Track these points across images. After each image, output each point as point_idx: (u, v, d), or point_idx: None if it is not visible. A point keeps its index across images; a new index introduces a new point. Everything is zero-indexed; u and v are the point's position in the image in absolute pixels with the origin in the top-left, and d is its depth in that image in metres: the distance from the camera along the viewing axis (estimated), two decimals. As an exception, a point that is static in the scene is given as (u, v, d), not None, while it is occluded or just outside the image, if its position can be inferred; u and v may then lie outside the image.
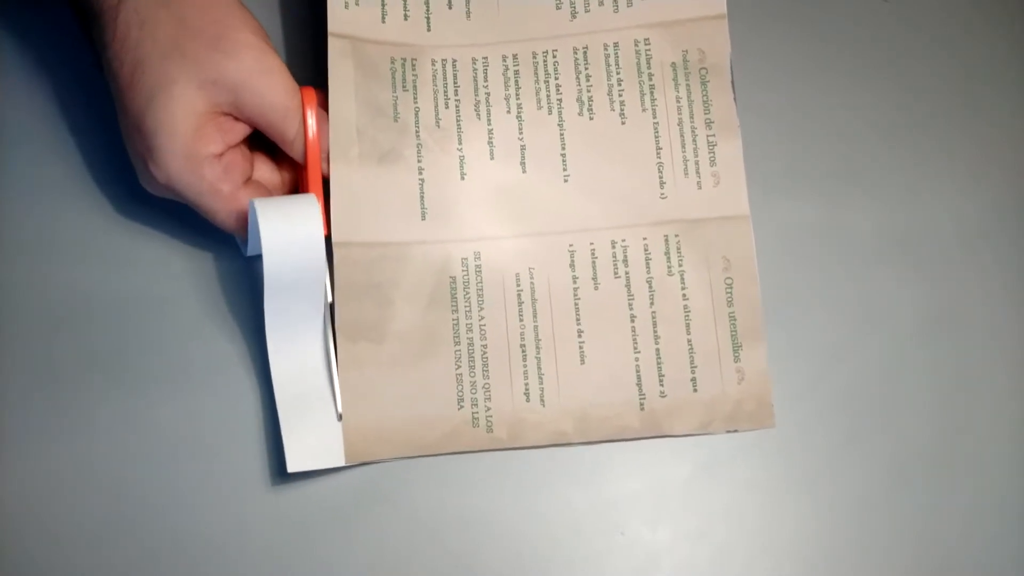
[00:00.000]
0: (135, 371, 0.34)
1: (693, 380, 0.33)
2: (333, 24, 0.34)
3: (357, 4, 0.34)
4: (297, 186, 0.34)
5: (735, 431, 0.33)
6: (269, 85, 0.30)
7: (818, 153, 0.38)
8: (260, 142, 0.33)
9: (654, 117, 0.35)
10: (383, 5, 0.35)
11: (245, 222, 0.31)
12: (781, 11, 0.39)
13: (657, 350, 0.33)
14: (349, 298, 0.33)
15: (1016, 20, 0.40)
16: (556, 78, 0.35)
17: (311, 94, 0.32)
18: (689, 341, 0.33)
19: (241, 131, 0.31)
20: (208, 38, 0.30)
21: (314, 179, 0.32)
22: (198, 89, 0.29)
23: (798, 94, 0.38)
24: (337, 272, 0.33)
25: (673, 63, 0.35)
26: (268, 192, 0.33)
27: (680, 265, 0.34)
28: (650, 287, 0.34)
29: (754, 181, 0.35)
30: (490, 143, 0.34)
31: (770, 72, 0.38)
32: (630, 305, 0.34)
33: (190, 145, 0.29)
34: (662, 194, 0.34)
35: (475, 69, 0.35)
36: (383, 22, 0.34)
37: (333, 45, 0.34)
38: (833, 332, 0.35)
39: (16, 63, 0.37)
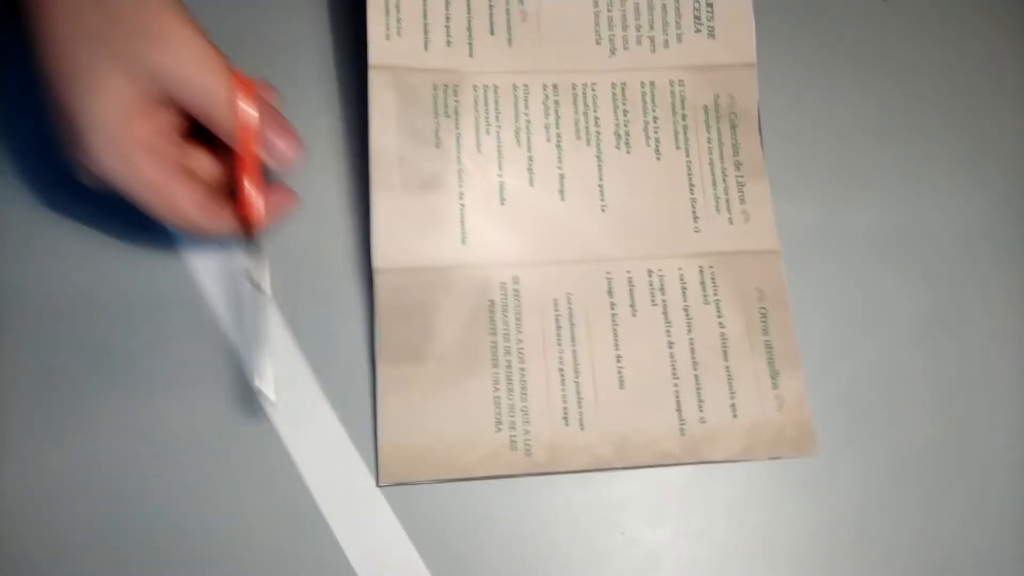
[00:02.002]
0: (135, 371, 0.33)
1: (732, 406, 0.33)
2: (374, 56, 0.34)
3: (399, 34, 0.35)
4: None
5: (777, 458, 0.33)
6: (198, 70, 0.29)
7: (818, 153, 0.38)
8: (201, 132, 0.31)
9: (687, 156, 0.36)
10: (426, 32, 0.35)
11: (179, 212, 0.30)
12: (781, 11, 0.40)
13: (696, 376, 0.33)
14: (390, 322, 0.33)
15: (1016, 20, 0.41)
16: (595, 111, 0.36)
17: (242, 79, 0.30)
18: (727, 368, 0.34)
19: (172, 119, 0.30)
20: (134, 25, 0.28)
21: (250, 166, 0.31)
22: (125, 77, 0.28)
23: (798, 94, 0.39)
24: (378, 298, 0.33)
25: (705, 106, 0.36)
26: (204, 182, 0.31)
27: (715, 295, 0.34)
28: (687, 315, 0.34)
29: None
30: (530, 170, 0.35)
31: (770, 72, 0.38)
32: (668, 332, 0.34)
33: (119, 134, 0.28)
34: (695, 227, 0.35)
35: (516, 96, 0.36)
36: (425, 49, 0.35)
37: (374, 77, 0.34)
38: (833, 332, 0.35)
39: (16, 63, 0.37)
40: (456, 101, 0.35)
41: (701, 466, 0.33)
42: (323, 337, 0.33)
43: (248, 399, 0.33)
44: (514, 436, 0.32)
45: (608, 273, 0.34)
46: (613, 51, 0.37)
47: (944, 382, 0.35)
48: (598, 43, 0.37)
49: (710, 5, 0.37)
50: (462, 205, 0.34)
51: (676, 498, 0.32)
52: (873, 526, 0.32)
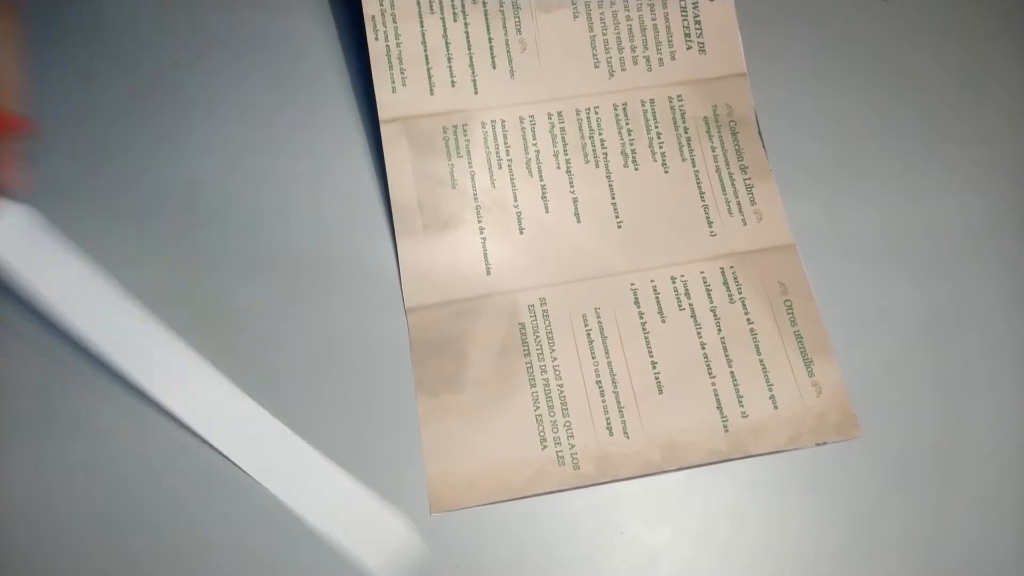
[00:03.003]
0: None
1: (772, 398, 0.33)
2: (384, 111, 0.36)
3: (404, 84, 0.37)
4: None
5: (824, 443, 0.33)
6: None
7: (819, 152, 0.38)
8: None
9: (694, 166, 0.37)
10: (430, 77, 0.37)
11: None
12: (781, 11, 0.41)
13: (731, 372, 0.34)
14: (425, 356, 0.34)
15: (1016, 20, 0.41)
16: (600, 133, 0.37)
17: None
18: (761, 361, 0.34)
19: None
20: None
21: None
22: None
23: (800, 93, 0.39)
24: (412, 334, 0.34)
25: (705, 117, 0.38)
26: None
27: (740, 293, 0.35)
28: (715, 315, 0.35)
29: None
30: (544, 198, 0.36)
31: (770, 72, 0.39)
32: (699, 333, 0.34)
33: None
34: (711, 232, 0.36)
35: (523, 128, 0.37)
36: (432, 94, 0.37)
37: (386, 131, 0.36)
38: (832, 332, 0.35)
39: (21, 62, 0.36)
40: (467, 140, 0.37)
41: (701, 466, 0.33)
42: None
43: (247, 399, 0.33)
44: (560, 451, 0.33)
45: (632, 284, 0.35)
46: (611, 73, 0.38)
47: (945, 381, 0.34)
48: (596, 66, 0.38)
49: (698, 22, 0.39)
50: (483, 239, 0.36)
51: (676, 498, 0.33)
52: (873, 526, 0.32)
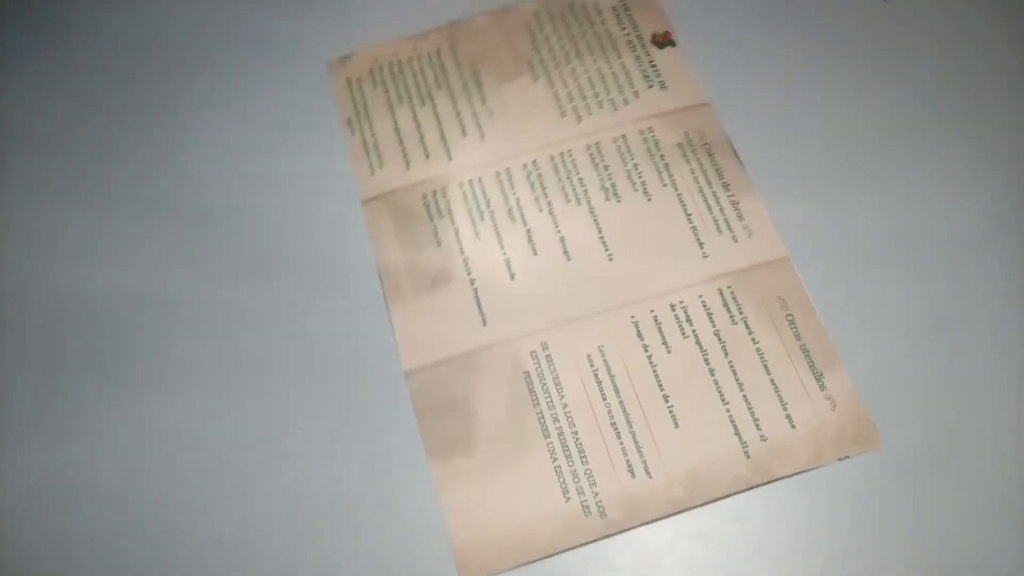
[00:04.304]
0: (135, 371, 0.34)
1: (788, 417, 0.33)
2: (364, 193, 0.37)
3: (381, 167, 0.38)
4: None
5: (847, 457, 0.32)
6: None
7: (818, 153, 0.38)
8: None
9: (676, 189, 0.37)
10: (405, 155, 0.38)
11: None
12: (781, 11, 0.41)
13: (744, 396, 0.33)
14: (431, 419, 0.33)
15: (1016, 20, 0.41)
16: (577, 173, 0.37)
17: None
18: (772, 381, 0.33)
19: None
20: None
21: None
22: None
23: (798, 94, 0.39)
24: (414, 398, 0.33)
25: (679, 143, 0.38)
26: None
27: (741, 313, 0.35)
28: (719, 339, 0.34)
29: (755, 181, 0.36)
30: (530, 241, 0.36)
31: (770, 72, 0.39)
32: (706, 360, 0.34)
33: None
34: (704, 253, 0.36)
35: (501, 181, 0.37)
36: (408, 168, 0.38)
37: (367, 210, 0.37)
38: (832, 332, 0.35)
39: (16, 63, 0.38)
40: (447, 200, 0.37)
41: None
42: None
43: (248, 398, 0.33)
44: (584, 501, 0.32)
45: (633, 317, 0.35)
46: (579, 119, 0.38)
47: (944, 381, 0.34)
48: (563, 116, 0.39)
49: (653, 65, 0.39)
50: (475, 289, 0.35)
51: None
52: (873, 526, 0.32)
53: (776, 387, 0.33)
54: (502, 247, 0.36)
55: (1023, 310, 0.35)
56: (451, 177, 0.37)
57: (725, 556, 0.31)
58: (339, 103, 0.39)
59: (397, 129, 0.39)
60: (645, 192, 0.37)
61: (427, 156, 0.38)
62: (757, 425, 0.33)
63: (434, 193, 0.37)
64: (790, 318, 0.35)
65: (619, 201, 0.37)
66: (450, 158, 0.38)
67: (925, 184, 0.37)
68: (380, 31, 0.41)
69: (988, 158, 0.38)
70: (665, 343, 0.34)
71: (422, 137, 0.38)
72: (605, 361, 0.34)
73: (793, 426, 0.33)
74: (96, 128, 0.38)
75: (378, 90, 0.39)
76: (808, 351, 0.34)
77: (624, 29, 0.41)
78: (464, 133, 0.38)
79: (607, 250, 0.36)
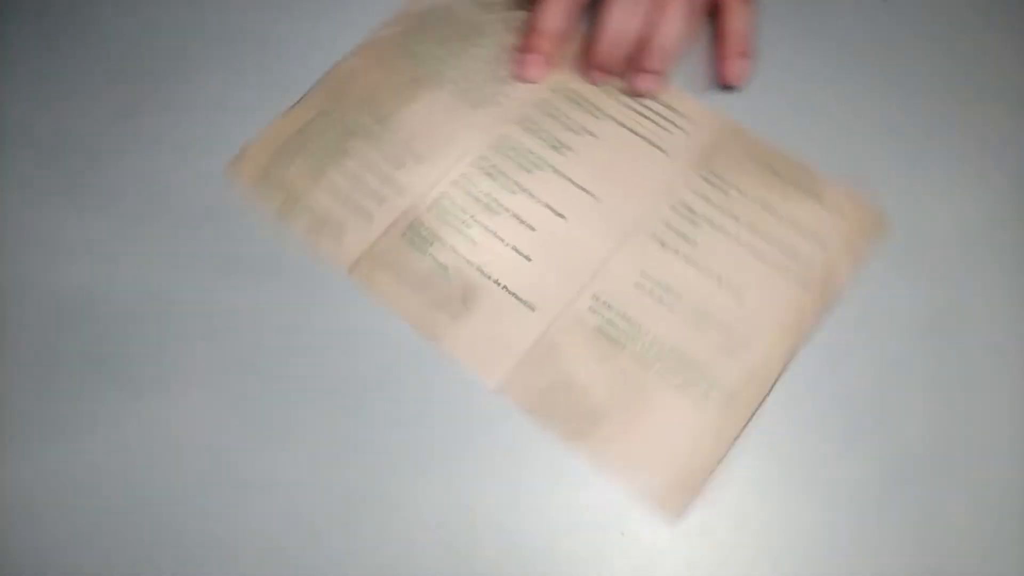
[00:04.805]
0: (135, 371, 0.34)
1: (815, 235, 0.36)
2: (343, 262, 0.36)
3: (344, 232, 0.37)
4: None
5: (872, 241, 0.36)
6: None
7: (817, 153, 0.38)
8: None
9: (611, 118, 0.39)
10: (360, 210, 0.37)
11: None
12: (780, 11, 0.41)
13: (776, 242, 0.36)
14: (546, 411, 0.34)
15: (1016, 20, 0.41)
16: (524, 146, 0.39)
17: None
18: (788, 217, 0.37)
19: None
20: None
21: None
22: None
23: (797, 94, 0.39)
24: (519, 404, 0.34)
25: (604, 90, 0.40)
26: None
27: (729, 183, 0.38)
28: (726, 212, 0.37)
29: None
30: (521, 222, 0.37)
31: (769, 72, 0.40)
32: (727, 234, 0.36)
33: None
34: (667, 155, 0.38)
35: (462, 187, 0.38)
36: (371, 220, 0.37)
37: (358, 275, 0.36)
38: (832, 332, 0.35)
39: (17, 63, 0.39)
40: (426, 228, 0.37)
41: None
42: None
43: (248, 399, 0.33)
44: (718, 396, 0.33)
45: (650, 233, 0.36)
46: (494, 103, 0.40)
47: (944, 381, 0.34)
48: (476, 107, 0.40)
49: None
50: (504, 288, 0.35)
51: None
52: (873, 526, 0.32)
53: (795, 221, 0.37)
54: (502, 240, 0.36)
55: (1023, 310, 0.35)
56: (416, 207, 0.37)
57: (725, 556, 0.32)
58: (260, 202, 0.37)
59: (335, 192, 0.38)
60: (589, 133, 0.39)
61: (381, 200, 0.37)
62: (796, 259, 0.36)
63: (410, 226, 0.37)
64: (769, 166, 0.38)
65: (572, 150, 0.38)
66: (401, 192, 0.38)
67: (925, 184, 0.38)
68: (259, 118, 0.39)
69: (988, 158, 0.38)
70: (687, 239, 0.36)
71: (364, 186, 0.38)
72: (653, 279, 0.36)
73: (825, 249, 0.36)
74: (95, 128, 0.39)
75: (292, 169, 0.38)
76: (797, 183, 0.37)
77: (479, 8, 0.42)
78: (401, 164, 0.38)
79: (589, 194, 0.37)
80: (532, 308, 0.35)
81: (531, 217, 0.37)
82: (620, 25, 0.38)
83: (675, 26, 0.38)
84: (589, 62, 0.40)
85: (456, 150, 0.39)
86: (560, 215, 0.37)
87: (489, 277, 0.36)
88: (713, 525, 0.32)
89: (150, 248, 0.36)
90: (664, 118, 0.39)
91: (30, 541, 0.31)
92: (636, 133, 0.39)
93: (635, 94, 0.40)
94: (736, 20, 0.39)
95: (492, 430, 0.33)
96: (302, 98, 0.40)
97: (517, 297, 0.35)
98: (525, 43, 0.40)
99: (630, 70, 0.39)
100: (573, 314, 0.35)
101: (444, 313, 0.35)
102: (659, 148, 0.38)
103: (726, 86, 0.40)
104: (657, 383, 0.34)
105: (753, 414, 0.33)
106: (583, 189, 0.38)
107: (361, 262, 0.36)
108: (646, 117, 0.39)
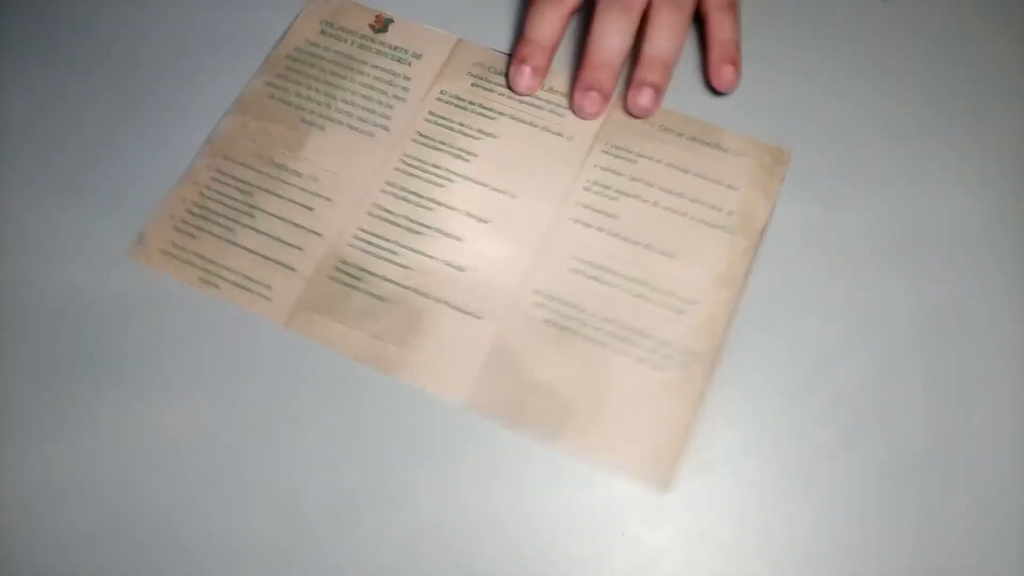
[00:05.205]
0: (135, 371, 0.34)
1: (729, 187, 0.38)
2: (278, 317, 0.36)
3: (270, 286, 0.36)
4: None
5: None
6: None
7: (816, 153, 0.38)
8: None
9: (502, 114, 0.40)
10: (281, 264, 0.37)
11: None
12: (780, 11, 0.41)
13: (692, 200, 0.38)
14: (517, 419, 0.34)
15: (1016, 20, 0.40)
16: (429, 160, 0.39)
17: None
18: (696, 174, 0.38)
19: None
20: None
21: None
22: None
23: (797, 94, 0.39)
24: (489, 418, 0.34)
25: (472, 84, 0.41)
26: None
27: (630, 152, 0.39)
28: (639, 180, 0.38)
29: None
30: (447, 235, 0.37)
31: (769, 72, 0.40)
32: (644, 200, 0.37)
33: None
34: (566, 136, 0.39)
35: (378, 215, 0.38)
36: (294, 269, 0.37)
37: (295, 324, 0.36)
38: (832, 332, 0.35)
39: (17, 63, 0.39)
40: (351, 265, 0.37)
41: (701, 466, 0.33)
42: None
43: (248, 398, 0.34)
44: (676, 359, 0.34)
45: (570, 218, 0.37)
46: (387, 129, 0.40)
47: (943, 381, 0.34)
48: (372, 136, 0.40)
49: (393, 47, 0.42)
50: (445, 303, 0.36)
51: (676, 498, 0.33)
52: (873, 526, 0.32)
53: (702, 174, 0.38)
54: (432, 257, 0.36)
55: (1023, 310, 0.35)
56: (337, 246, 0.37)
57: (725, 556, 0.32)
58: (176, 277, 0.36)
59: (251, 251, 0.37)
60: (488, 135, 0.39)
61: (300, 248, 0.37)
62: (714, 207, 0.37)
63: (336, 267, 0.36)
64: (663, 127, 0.39)
65: (476, 155, 0.39)
66: (320, 234, 0.37)
67: (925, 184, 0.38)
68: (151, 198, 0.38)
69: (988, 158, 0.38)
70: (607, 214, 0.37)
71: (278, 239, 0.37)
72: (585, 261, 0.36)
73: (734, 188, 0.37)
74: (94, 127, 0.39)
75: (200, 239, 0.37)
76: (696, 137, 0.39)
77: (346, 41, 0.42)
78: (310, 209, 0.38)
79: (505, 193, 0.38)
80: (479, 316, 0.35)
81: (455, 229, 0.37)
82: (611, 40, 0.37)
83: (669, 36, 0.37)
84: (580, 84, 0.38)
85: (361, 182, 0.38)
86: (483, 220, 0.37)
87: (428, 296, 0.36)
88: (713, 525, 0.32)
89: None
90: (556, 104, 0.40)
91: (30, 541, 0.32)
92: (534, 125, 0.39)
93: (636, 114, 0.39)
94: (722, 28, 0.39)
95: (492, 430, 0.34)
96: (191, 166, 0.38)
97: (461, 310, 0.35)
98: (517, 53, 0.39)
99: (627, 86, 0.39)
100: (519, 313, 0.35)
101: (392, 344, 0.35)
102: (559, 134, 0.39)
103: (716, 92, 0.40)
104: (616, 360, 0.34)
105: (713, 366, 0.34)
106: (497, 190, 0.38)
107: (297, 312, 0.36)
108: (539, 108, 0.40)
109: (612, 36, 0.38)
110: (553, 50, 0.39)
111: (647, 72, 0.38)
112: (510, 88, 0.40)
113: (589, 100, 0.38)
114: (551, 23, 0.39)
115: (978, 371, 0.34)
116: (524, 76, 0.39)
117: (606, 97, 0.39)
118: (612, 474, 0.33)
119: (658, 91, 0.38)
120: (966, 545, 0.32)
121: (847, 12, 0.41)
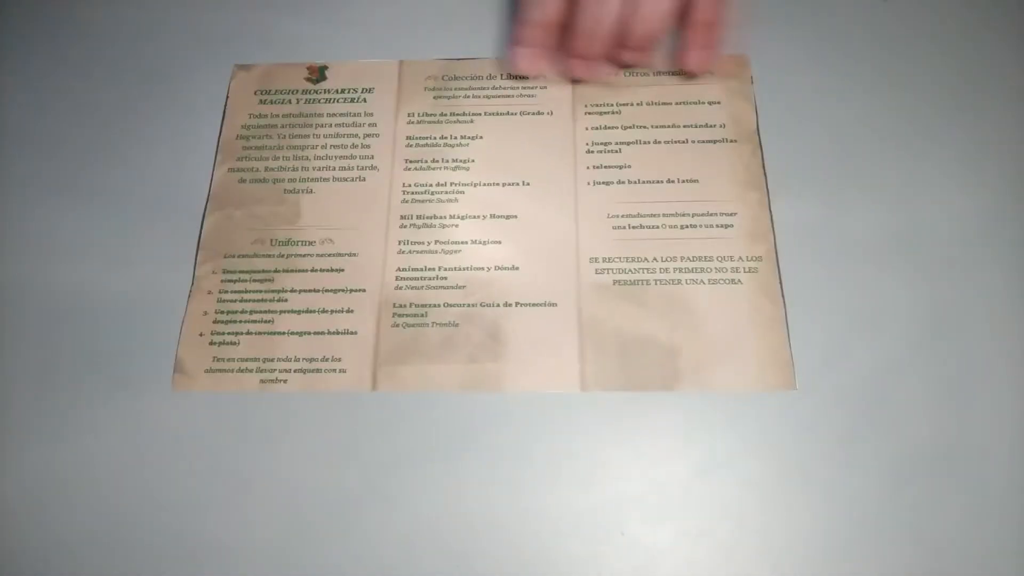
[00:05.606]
0: (135, 371, 0.34)
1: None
2: (375, 383, 0.35)
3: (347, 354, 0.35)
4: None
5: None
6: None
7: (817, 153, 0.38)
8: None
9: (482, 115, 0.40)
10: (356, 332, 0.36)
11: None
12: (781, 11, 0.41)
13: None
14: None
15: (1016, 20, 0.40)
16: (435, 182, 0.38)
17: None
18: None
19: None
20: None
21: None
22: None
23: (797, 94, 0.39)
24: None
25: (435, 97, 0.40)
26: None
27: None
28: (639, 125, 0.39)
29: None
30: (485, 243, 0.37)
31: (769, 72, 0.40)
32: (647, 141, 0.38)
33: None
34: (555, 119, 0.39)
35: (406, 251, 0.37)
36: (359, 335, 0.36)
37: (394, 384, 0.35)
38: (833, 332, 0.35)
39: (17, 63, 0.40)
40: (410, 306, 0.36)
41: (701, 466, 0.33)
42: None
43: (248, 398, 0.34)
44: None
45: (589, 180, 0.38)
46: (376, 168, 0.39)
47: (944, 381, 0.34)
48: (363, 180, 0.39)
49: (341, 90, 0.41)
50: (516, 304, 0.35)
51: (676, 498, 0.33)
52: (873, 526, 0.32)
53: (685, 102, 0.39)
54: (482, 268, 0.36)
55: (1023, 310, 0.35)
56: (384, 295, 0.36)
57: (725, 556, 0.32)
58: (234, 388, 0.34)
59: (301, 333, 0.35)
60: (474, 138, 0.39)
61: (351, 310, 0.36)
62: (709, 125, 0.38)
63: (395, 315, 0.35)
64: (629, 72, 0.40)
65: (473, 161, 0.39)
66: (364, 289, 0.36)
67: (923, 184, 0.38)
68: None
69: (988, 158, 0.38)
70: (619, 167, 0.39)
71: (322, 310, 0.36)
72: (622, 217, 0.37)
73: (716, 102, 0.39)
74: (94, 127, 0.39)
75: (242, 343, 0.35)
76: (662, 71, 0.40)
77: (290, 102, 0.40)
78: (340, 270, 0.37)
79: (518, 184, 0.38)
80: (553, 303, 0.35)
81: (488, 234, 0.37)
82: (599, 7, 0.36)
83: (657, 4, 0.36)
84: (570, 51, 0.38)
85: (376, 227, 0.37)
86: (510, 216, 0.37)
87: (497, 305, 0.35)
88: (713, 524, 0.32)
89: (149, 247, 0.36)
90: (525, 86, 0.40)
91: (30, 541, 0.32)
92: (511, 113, 0.40)
93: (622, 66, 0.39)
94: (706, 9, 0.37)
95: (493, 431, 0.33)
96: (194, 276, 0.36)
97: (534, 305, 0.35)
98: (518, 36, 0.39)
99: (613, 49, 0.38)
100: (588, 285, 0.36)
101: (488, 361, 0.34)
102: (539, 113, 0.39)
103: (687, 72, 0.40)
104: (693, 291, 0.35)
105: (779, 263, 0.36)
106: (510, 184, 0.38)
107: (379, 373, 0.34)
108: (508, 96, 0.40)
109: (600, 3, 0.36)
110: (554, 30, 0.38)
111: (632, 38, 0.37)
112: (512, 71, 0.39)
113: (575, 69, 0.38)
114: (549, 3, 0.37)
115: (978, 371, 0.34)
116: (522, 58, 0.39)
117: (593, 62, 0.38)
118: (735, 394, 0.33)
119: (644, 53, 0.38)
120: (966, 545, 0.32)
121: (847, 12, 0.41)
